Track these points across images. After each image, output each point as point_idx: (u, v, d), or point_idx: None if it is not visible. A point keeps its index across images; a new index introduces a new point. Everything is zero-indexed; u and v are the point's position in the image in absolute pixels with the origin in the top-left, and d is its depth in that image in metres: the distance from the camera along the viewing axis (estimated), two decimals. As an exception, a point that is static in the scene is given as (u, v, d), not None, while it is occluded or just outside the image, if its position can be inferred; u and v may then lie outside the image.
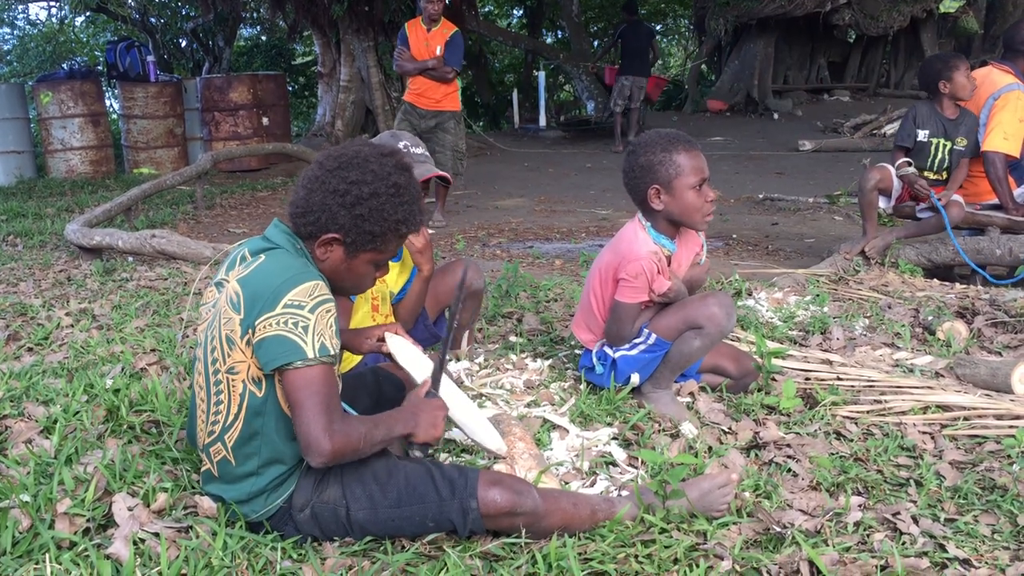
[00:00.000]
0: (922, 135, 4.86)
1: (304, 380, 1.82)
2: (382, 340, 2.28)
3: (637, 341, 2.83)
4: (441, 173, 2.99)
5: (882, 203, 5.03)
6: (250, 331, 1.85)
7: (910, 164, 4.88)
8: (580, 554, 1.95)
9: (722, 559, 1.94)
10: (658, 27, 23.61)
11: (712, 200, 2.72)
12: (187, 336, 3.61)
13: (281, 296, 1.82)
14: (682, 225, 2.80)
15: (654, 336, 2.80)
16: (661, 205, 2.72)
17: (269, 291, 1.84)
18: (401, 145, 2.83)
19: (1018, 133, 4.76)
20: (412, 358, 2.26)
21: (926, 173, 4.92)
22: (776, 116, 14.95)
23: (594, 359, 2.94)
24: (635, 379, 2.86)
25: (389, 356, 2.29)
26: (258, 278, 1.88)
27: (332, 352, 1.86)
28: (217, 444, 1.97)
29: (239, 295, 1.89)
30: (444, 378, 2.30)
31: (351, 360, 2.77)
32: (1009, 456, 2.50)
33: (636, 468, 2.45)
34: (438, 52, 7.27)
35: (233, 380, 1.91)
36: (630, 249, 2.76)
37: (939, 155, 4.87)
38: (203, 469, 2.06)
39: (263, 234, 2.02)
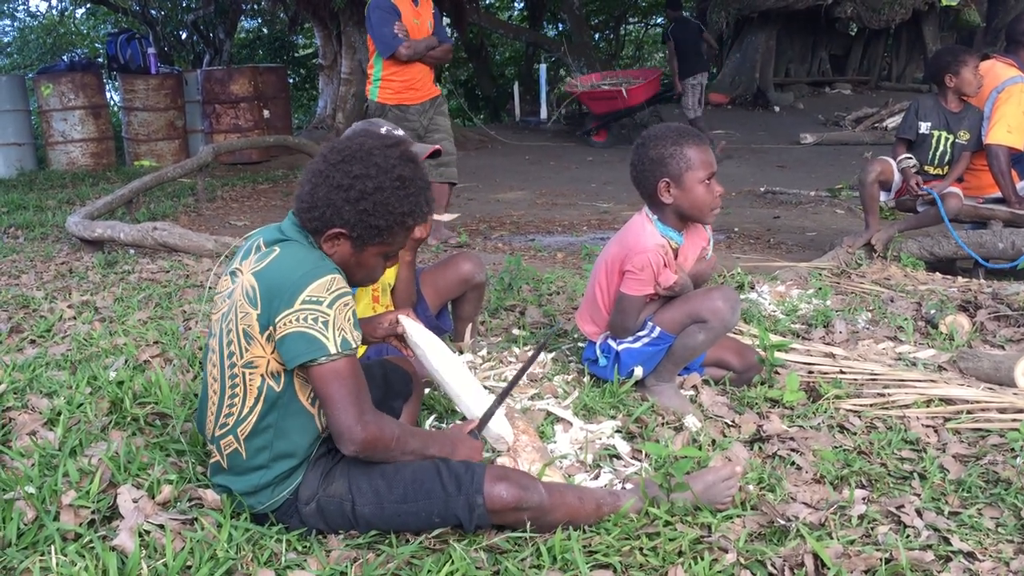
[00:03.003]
0: (924, 127, 4.86)
1: (332, 374, 1.84)
2: (395, 323, 2.30)
3: (641, 334, 2.83)
4: (437, 147, 2.95)
5: (882, 196, 5.03)
6: (270, 327, 1.85)
7: (910, 158, 4.88)
8: (585, 547, 1.95)
9: (726, 552, 1.94)
10: (659, 19, 23.57)
11: (720, 194, 2.73)
12: (189, 328, 3.61)
13: (299, 292, 1.82)
14: (690, 219, 2.80)
15: (658, 329, 2.80)
16: (671, 199, 2.73)
17: (287, 287, 1.83)
18: (383, 131, 2.78)
19: (1022, 126, 4.75)
20: (426, 341, 2.28)
21: (927, 167, 4.91)
22: (777, 109, 14.94)
23: (598, 351, 2.94)
24: (638, 372, 2.86)
25: (402, 338, 2.30)
26: (274, 273, 1.88)
27: (354, 345, 1.87)
28: (229, 436, 1.97)
29: (255, 289, 1.88)
30: (457, 361, 2.32)
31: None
32: (1013, 450, 2.50)
33: (640, 461, 2.46)
34: (429, 29, 5.81)
35: (251, 374, 1.91)
36: (637, 241, 2.76)
37: (940, 148, 4.86)
38: (212, 460, 2.06)
39: (279, 225, 2.01)
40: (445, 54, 5.96)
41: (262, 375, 1.91)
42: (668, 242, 2.78)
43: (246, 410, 1.94)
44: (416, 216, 1.98)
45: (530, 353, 2.65)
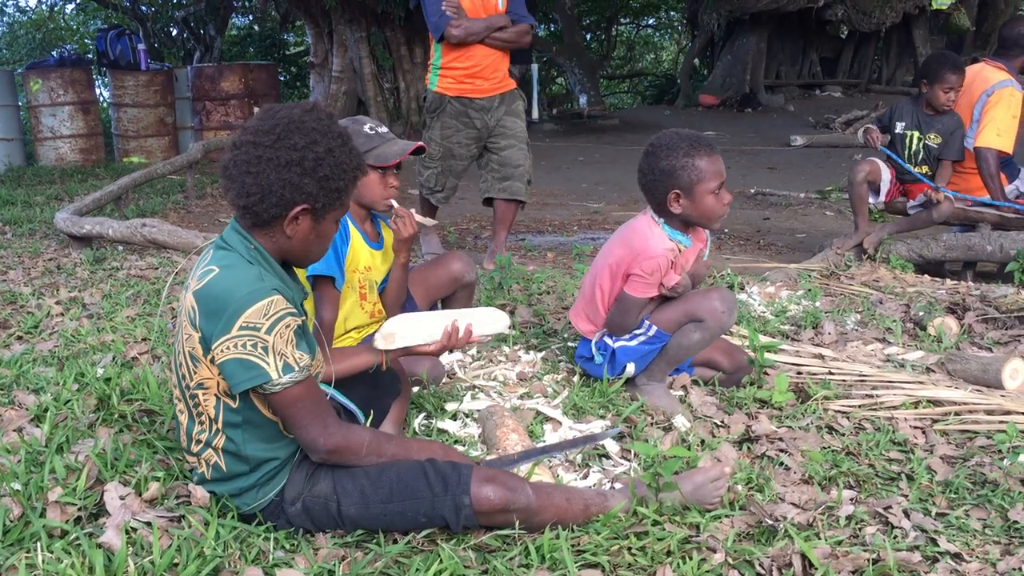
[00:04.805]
0: (899, 127, 4.98)
1: (289, 399, 1.85)
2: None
3: (638, 332, 2.84)
4: (420, 144, 2.80)
5: (872, 199, 5.07)
6: (212, 351, 1.83)
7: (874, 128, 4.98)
8: (573, 546, 1.95)
9: (715, 552, 1.94)
10: (650, 20, 23.61)
11: (728, 201, 2.75)
12: (176, 326, 3.59)
13: (236, 318, 1.79)
14: (696, 225, 2.81)
15: (655, 328, 2.81)
16: (680, 209, 2.74)
17: (224, 312, 1.79)
18: (367, 128, 2.74)
19: (1011, 129, 4.79)
20: (416, 329, 2.29)
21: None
22: (765, 109, 14.98)
23: (594, 349, 2.94)
24: (630, 369, 2.86)
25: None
26: (212, 295, 1.83)
27: (297, 368, 1.84)
28: (207, 451, 1.97)
29: (195, 311, 1.85)
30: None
31: (352, 340, 2.76)
32: (1000, 451, 2.51)
33: (629, 461, 2.46)
34: (500, 6, 4.76)
35: (205, 395, 1.91)
36: (646, 245, 2.76)
37: (913, 147, 4.94)
38: (197, 471, 2.05)
39: (223, 235, 1.95)
40: (518, 36, 4.81)
41: (216, 395, 1.90)
42: (677, 245, 2.79)
43: (214, 428, 1.93)
44: (362, 167, 1.96)
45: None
